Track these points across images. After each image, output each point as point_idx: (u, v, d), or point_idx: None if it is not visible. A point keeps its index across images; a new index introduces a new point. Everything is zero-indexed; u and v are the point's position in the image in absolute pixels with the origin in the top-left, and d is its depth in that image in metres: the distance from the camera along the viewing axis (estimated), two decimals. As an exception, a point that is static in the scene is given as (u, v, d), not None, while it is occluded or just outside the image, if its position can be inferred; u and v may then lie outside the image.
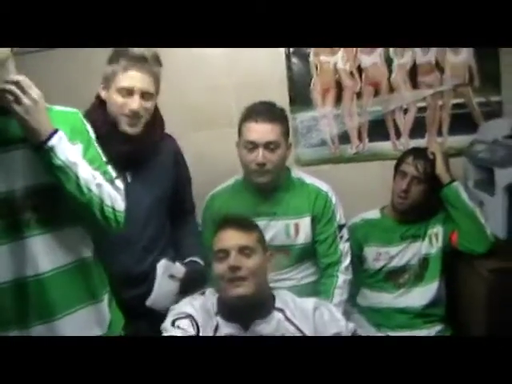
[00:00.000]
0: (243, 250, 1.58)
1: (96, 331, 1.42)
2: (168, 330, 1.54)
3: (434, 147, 2.15)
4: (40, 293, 1.32)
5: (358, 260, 2.16)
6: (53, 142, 1.25)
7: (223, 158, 2.35)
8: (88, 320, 1.40)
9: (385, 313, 2.14)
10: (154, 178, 1.82)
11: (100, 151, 1.45)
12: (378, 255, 2.17)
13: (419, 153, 2.13)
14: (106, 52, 1.73)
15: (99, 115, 1.72)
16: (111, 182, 1.40)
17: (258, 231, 1.68)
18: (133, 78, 1.69)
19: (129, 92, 1.70)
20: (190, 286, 1.77)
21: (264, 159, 1.88)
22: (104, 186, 1.36)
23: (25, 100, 1.20)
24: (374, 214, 2.25)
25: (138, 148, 1.76)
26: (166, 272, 1.78)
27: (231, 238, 1.59)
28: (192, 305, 1.61)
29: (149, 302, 1.75)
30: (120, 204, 1.40)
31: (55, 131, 1.26)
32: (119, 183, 1.44)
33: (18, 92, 1.20)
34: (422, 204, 2.12)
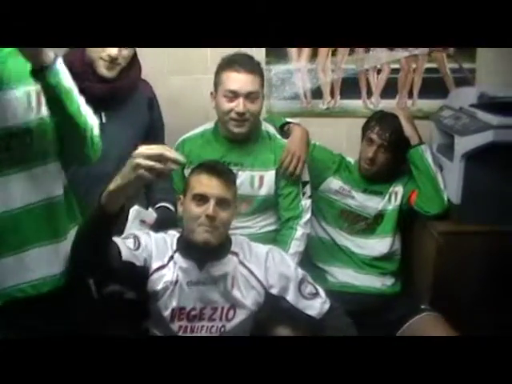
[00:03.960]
0: (222, 202, 1.61)
1: (59, 267, 1.47)
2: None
3: (399, 113, 2.17)
4: (10, 227, 1.37)
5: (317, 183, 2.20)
6: (59, 65, 1.27)
7: (195, 103, 2.37)
8: (53, 257, 1.45)
9: (329, 248, 2.21)
10: (128, 120, 1.88)
11: None
12: (341, 189, 2.22)
13: (386, 122, 2.14)
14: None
15: (77, 55, 1.78)
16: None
17: (235, 186, 1.72)
18: None
19: None
20: (159, 231, 1.81)
21: (244, 108, 1.91)
22: (91, 113, 1.41)
23: None
24: (351, 159, 2.29)
25: (113, 90, 1.82)
26: (138, 217, 1.82)
27: (214, 187, 1.61)
28: (144, 232, 1.68)
29: None
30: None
31: (57, 56, 1.28)
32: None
33: None
34: (387, 169, 2.17)
